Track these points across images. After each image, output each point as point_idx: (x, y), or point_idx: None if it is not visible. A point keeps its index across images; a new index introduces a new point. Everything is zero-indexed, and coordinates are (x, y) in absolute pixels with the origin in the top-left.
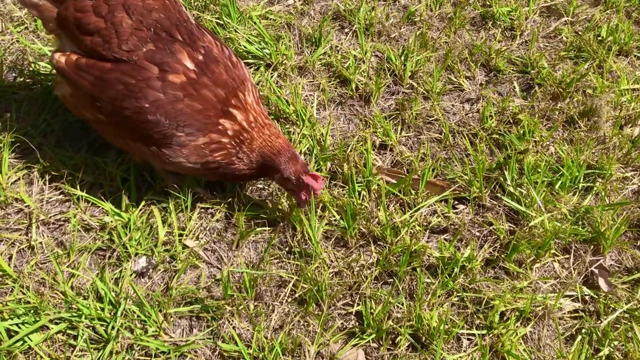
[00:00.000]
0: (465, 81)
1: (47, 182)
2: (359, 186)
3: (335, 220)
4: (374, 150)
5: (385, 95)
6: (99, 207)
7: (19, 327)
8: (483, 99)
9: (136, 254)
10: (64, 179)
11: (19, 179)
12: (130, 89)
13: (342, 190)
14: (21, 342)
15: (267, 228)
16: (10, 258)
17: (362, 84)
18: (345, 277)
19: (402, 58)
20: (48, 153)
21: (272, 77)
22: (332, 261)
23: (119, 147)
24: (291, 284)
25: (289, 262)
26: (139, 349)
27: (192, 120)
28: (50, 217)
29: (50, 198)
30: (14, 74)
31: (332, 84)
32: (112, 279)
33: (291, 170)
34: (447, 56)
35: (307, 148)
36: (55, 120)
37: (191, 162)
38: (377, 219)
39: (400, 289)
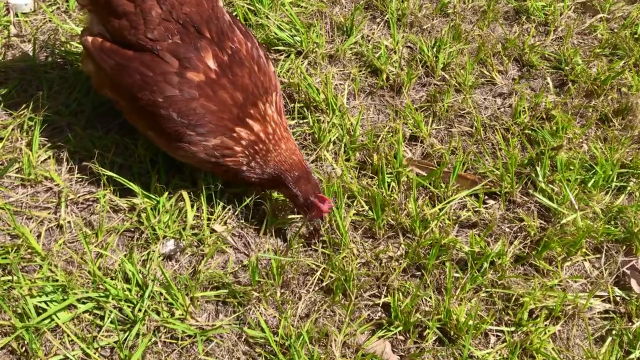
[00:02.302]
0: (497, 75)
1: (76, 162)
2: (388, 177)
3: (363, 210)
4: (404, 141)
5: (416, 86)
6: (128, 188)
7: (47, 305)
8: (515, 94)
9: (164, 237)
10: (94, 159)
11: (49, 157)
12: (147, 80)
13: (372, 180)
14: (49, 319)
15: (295, 215)
16: (39, 236)
17: (393, 75)
18: (373, 268)
19: (434, 50)
20: (78, 133)
21: (302, 64)
22: (359, 252)
23: (137, 129)
24: (319, 272)
25: (317, 251)
26: (165, 332)
27: (205, 121)
28: (79, 197)
29: (79, 178)
30: (45, 54)
31: (363, 73)
32: (139, 260)
33: (301, 190)
34: (480, 49)
35: (337, 137)
36: (86, 100)
37: (201, 160)
38: (405, 211)
39: (429, 282)
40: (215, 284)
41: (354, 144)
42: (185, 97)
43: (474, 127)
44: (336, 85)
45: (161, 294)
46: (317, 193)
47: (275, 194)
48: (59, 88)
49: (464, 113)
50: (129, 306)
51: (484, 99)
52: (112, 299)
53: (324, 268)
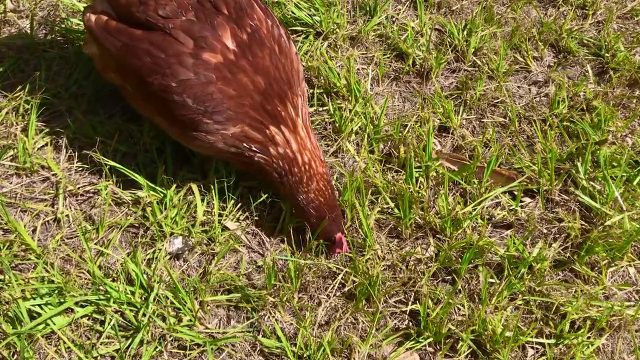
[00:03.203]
0: (532, 62)
1: (76, 150)
2: (416, 172)
3: (388, 208)
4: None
5: (445, 72)
6: (132, 179)
7: (42, 309)
8: (552, 82)
9: (171, 234)
10: (95, 146)
11: (46, 144)
12: (158, 63)
13: (397, 175)
14: (43, 325)
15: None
16: (34, 231)
17: (420, 59)
18: (399, 272)
19: (465, 33)
20: (79, 118)
21: (322, 46)
22: (384, 253)
23: (145, 117)
24: (340, 276)
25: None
26: (172, 340)
27: (222, 107)
28: (78, 188)
29: (79, 167)
30: (44, 31)
31: (387, 57)
32: (144, 259)
33: (328, 229)
34: (514, 33)
35: (359, 127)
36: (87, 82)
37: (220, 150)
38: (434, 209)
39: (461, 288)
40: (227, 287)
41: (378, 134)
42: (201, 80)
43: (508, 118)
44: (358, 69)
45: (167, 297)
46: (340, 231)
47: None
48: (58, 69)
49: (497, 102)
50: (131, 310)
51: (518, 87)
52: (114, 302)
53: (346, 271)
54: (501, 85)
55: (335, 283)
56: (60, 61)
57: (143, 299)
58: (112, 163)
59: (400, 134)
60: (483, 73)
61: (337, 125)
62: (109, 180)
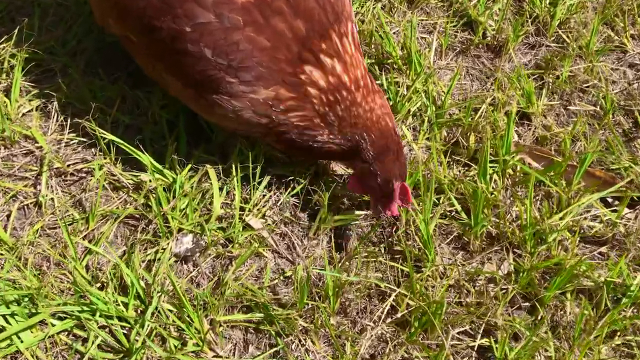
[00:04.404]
0: (629, 40)
1: (69, 118)
2: (490, 167)
3: (452, 211)
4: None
5: (523, 47)
6: (135, 158)
7: (6, 321)
8: None
9: (180, 230)
10: (92, 115)
11: (32, 110)
12: (167, 1)
13: (465, 170)
14: (7, 342)
15: (361, 212)
16: (8, 216)
17: (493, 30)
18: (466, 295)
19: (548, 1)
20: (75, 79)
21: (375, 7)
22: (447, 270)
23: (151, 77)
24: (391, 298)
25: (386, 263)
26: None
27: (252, 62)
28: (68, 166)
29: (70, 140)
30: None
31: (454, 26)
32: (143, 261)
33: (384, 168)
34: (607, 5)
35: (418, 107)
36: (88, 37)
37: (247, 121)
38: (510, 215)
39: (541, 317)
40: (246, 303)
41: (442, 117)
42: (225, 25)
43: (599, 106)
44: (417, 38)
45: (169, 313)
46: (402, 178)
47: (333, 187)
48: (55, 19)
49: (585, 87)
50: (123, 328)
51: (612, 69)
52: (100, 316)
53: (399, 292)
54: (592, 66)
55: (385, 306)
56: (59, 10)
57: (138, 313)
58: (111, 137)
59: (471, 119)
60: (572, 50)
61: (391, 104)
62: (105, 158)
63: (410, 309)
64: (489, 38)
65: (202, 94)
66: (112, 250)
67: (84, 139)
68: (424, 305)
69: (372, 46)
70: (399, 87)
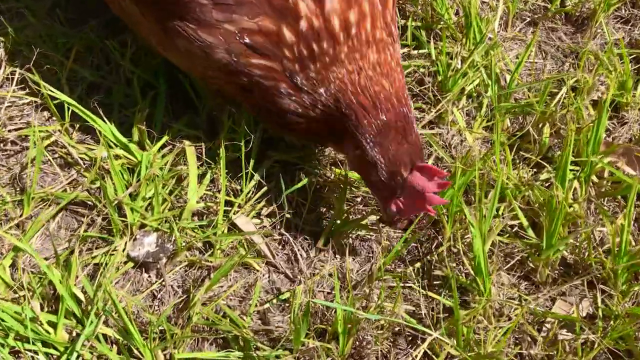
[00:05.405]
0: None
1: (16, 70)
2: (570, 172)
3: (515, 226)
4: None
5: (613, 21)
6: (95, 127)
7: None
8: None
9: (142, 227)
10: (47, 68)
11: None
12: None
13: (535, 172)
14: None
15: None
16: None
17: None
18: (528, 345)
19: None
20: (31, 22)
21: None
22: (503, 306)
23: (120, 16)
24: (426, 343)
25: (420, 292)
26: None
27: None
28: (7, 132)
29: (14, 99)
30: None
31: None
32: (84, 265)
33: (388, 156)
34: None
35: (476, 86)
36: None
37: (218, 64)
38: (594, 238)
39: None
40: (222, 335)
41: (506, 101)
42: None
43: None
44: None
45: (113, 341)
46: (416, 161)
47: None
48: None
49: None
50: (49, 357)
51: None
52: (15, 339)
53: (436, 337)
54: None
55: (417, 354)
56: None
57: (70, 340)
58: (67, 98)
59: (545, 107)
60: None
61: (440, 79)
62: (58, 125)
63: None
64: (569, 6)
65: (162, 21)
66: (53, 245)
67: (32, 99)
68: (473, 357)
69: (419, 5)
70: (451, 59)
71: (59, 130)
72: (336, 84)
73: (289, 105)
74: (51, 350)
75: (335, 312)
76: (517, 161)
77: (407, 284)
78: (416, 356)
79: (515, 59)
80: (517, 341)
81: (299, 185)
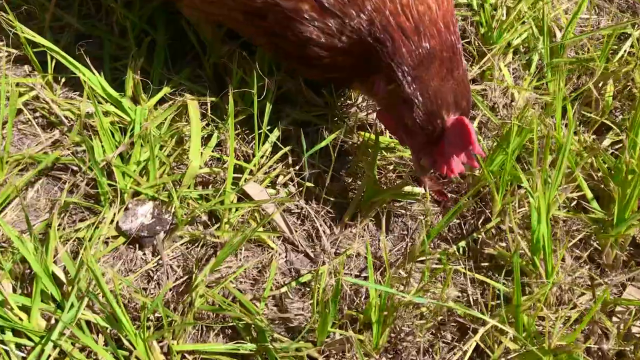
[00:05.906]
0: None
1: None
2: None
3: (574, 200)
4: None
5: None
6: (82, 80)
7: None
8: None
9: (135, 195)
10: (27, 13)
11: None
12: None
13: (596, 138)
14: None
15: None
16: None
17: None
18: (599, 338)
19: None
20: None
21: None
22: (569, 301)
23: None
24: (478, 335)
25: (467, 275)
26: None
27: None
28: None
29: None
30: None
31: None
32: (66, 240)
33: (427, 92)
34: None
35: (523, 40)
36: None
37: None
38: None
39: None
40: (230, 323)
41: (561, 56)
42: None
43: None
44: None
45: (99, 329)
46: (462, 102)
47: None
48: None
49: None
50: (21, 350)
51: None
52: None
53: (493, 325)
54: None
55: (468, 348)
56: None
57: (46, 328)
58: (50, 45)
59: (607, 62)
60: None
61: (484, 31)
62: (37, 77)
63: (510, 357)
64: None
65: None
66: (25, 213)
67: (12, 48)
68: (538, 351)
69: None
70: (495, 9)
71: (40, 84)
72: (372, 1)
73: (311, 33)
74: (24, 340)
75: (367, 298)
76: (579, 126)
77: (451, 266)
78: (466, 351)
79: (565, 14)
80: (585, 333)
81: (321, 145)
